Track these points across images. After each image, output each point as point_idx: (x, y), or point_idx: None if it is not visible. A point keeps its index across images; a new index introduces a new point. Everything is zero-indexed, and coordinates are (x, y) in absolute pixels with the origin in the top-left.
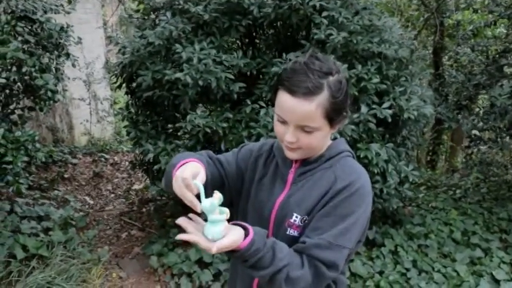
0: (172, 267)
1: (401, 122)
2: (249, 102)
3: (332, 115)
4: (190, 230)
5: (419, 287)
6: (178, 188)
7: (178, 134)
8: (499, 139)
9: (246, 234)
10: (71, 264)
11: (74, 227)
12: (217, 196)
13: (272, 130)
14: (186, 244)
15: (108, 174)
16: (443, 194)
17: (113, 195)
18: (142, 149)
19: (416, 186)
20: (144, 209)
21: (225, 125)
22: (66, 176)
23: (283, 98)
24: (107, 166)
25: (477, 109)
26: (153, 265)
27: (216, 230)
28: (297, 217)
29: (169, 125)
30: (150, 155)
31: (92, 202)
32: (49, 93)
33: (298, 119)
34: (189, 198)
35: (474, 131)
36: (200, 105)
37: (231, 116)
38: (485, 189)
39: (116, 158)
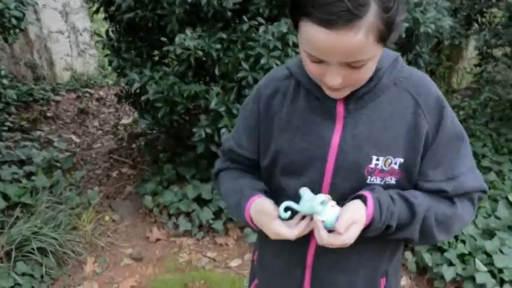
0: (168, 206)
1: (415, 37)
2: (245, 19)
3: (387, 33)
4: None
5: None
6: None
7: (166, 60)
8: None
9: (363, 200)
10: (59, 210)
11: (60, 169)
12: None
13: (274, 49)
14: (182, 181)
15: (94, 110)
16: None
17: (100, 131)
18: (127, 79)
19: None
20: (134, 145)
21: (218, 46)
22: (49, 114)
23: (315, 34)
24: (92, 102)
25: (488, 24)
26: (147, 205)
27: (328, 216)
28: (378, 160)
29: (156, 51)
30: (136, 85)
31: (78, 141)
32: (13, 21)
33: (343, 57)
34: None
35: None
36: (189, 27)
37: (224, 36)
38: (489, 110)
39: (101, 93)
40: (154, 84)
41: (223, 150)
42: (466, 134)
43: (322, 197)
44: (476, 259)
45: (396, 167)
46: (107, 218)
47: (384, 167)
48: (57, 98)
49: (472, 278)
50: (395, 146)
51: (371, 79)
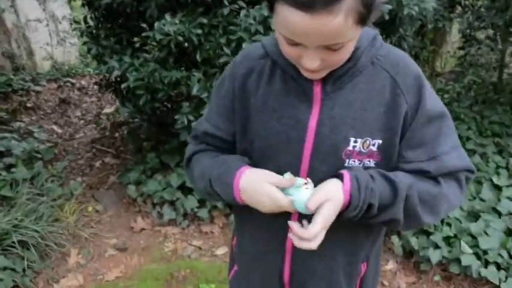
0: (152, 195)
1: (399, 19)
2: (226, 3)
3: (367, 15)
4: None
5: None
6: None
7: (146, 47)
8: (498, 37)
9: (340, 179)
10: (40, 202)
11: (41, 160)
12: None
13: (256, 33)
14: (166, 169)
15: (76, 100)
16: None
17: (82, 121)
18: (107, 67)
19: None
20: (117, 134)
21: (199, 31)
22: (29, 105)
23: (291, 17)
24: (73, 91)
25: (471, 7)
26: (131, 195)
27: (300, 196)
28: (356, 142)
29: (136, 38)
30: (116, 73)
31: (60, 131)
32: None
33: (322, 40)
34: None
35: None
36: (169, 13)
37: (205, 21)
38: (473, 93)
39: (83, 82)
40: (134, 71)
41: (197, 134)
42: (448, 112)
43: (299, 180)
44: (461, 241)
45: (374, 148)
46: (90, 208)
47: (362, 149)
48: (38, 88)
49: (458, 260)
50: (374, 127)
51: (349, 59)
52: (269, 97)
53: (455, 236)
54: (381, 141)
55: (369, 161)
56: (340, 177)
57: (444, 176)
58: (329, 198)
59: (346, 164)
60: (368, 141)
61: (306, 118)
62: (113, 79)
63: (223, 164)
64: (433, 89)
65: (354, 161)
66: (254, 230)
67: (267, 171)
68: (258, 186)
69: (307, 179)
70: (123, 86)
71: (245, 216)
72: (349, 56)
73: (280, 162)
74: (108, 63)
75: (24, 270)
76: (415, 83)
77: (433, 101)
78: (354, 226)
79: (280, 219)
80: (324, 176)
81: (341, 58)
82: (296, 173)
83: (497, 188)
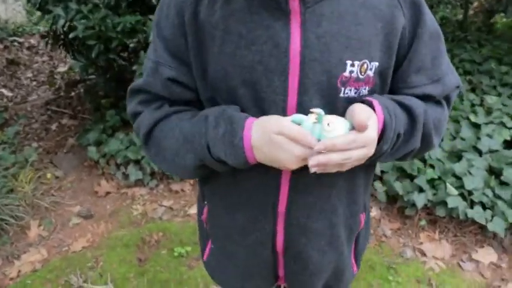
0: (115, 155)
1: None
2: None
3: None
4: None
5: None
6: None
7: None
8: None
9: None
10: None
11: None
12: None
13: None
14: (128, 127)
15: (26, 60)
16: None
17: (34, 82)
18: (52, 16)
19: None
20: (73, 93)
21: None
22: None
23: None
24: (22, 51)
25: None
26: (92, 157)
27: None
28: (353, 65)
29: None
30: (62, 22)
31: (10, 94)
32: None
33: None
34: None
35: None
36: None
37: None
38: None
39: (32, 41)
40: (83, 18)
41: (148, 94)
42: None
43: (313, 116)
44: (447, 183)
45: (371, 73)
46: (48, 175)
47: (360, 75)
48: None
49: (444, 203)
50: (371, 46)
51: None
52: (230, 20)
53: (440, 178)
54: (377, 64)
55: (365, 89)
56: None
57: (444, 97)
58: (370, 115)
59: (341, 94)
60: (366, 65)
61: (285, 40)
62: (61, 31)
63: (221, 118)
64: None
65: (350, 90)
66: (235, 197)
67: (278, 117)
68: (276, 138)
69: (318, 109)
70: (71, 35)
71: (221, 180)
72: None
73: (260, 104)
74: (52, 12)
75: None
76: None
77: (431, 18)
78: (352, 169)
79: (271, 180)
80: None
81: None
82: (283, 113)
83: (475, 126)
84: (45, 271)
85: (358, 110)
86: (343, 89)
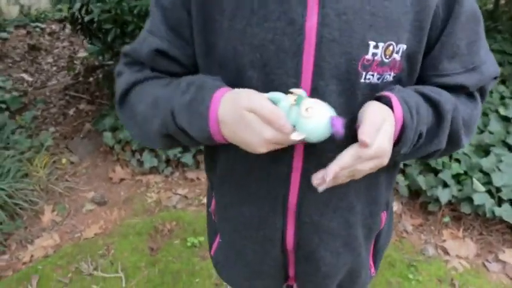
0: (130, 142)
1: None
2: None
3: None
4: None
5: None
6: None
7: None
8: None
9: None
10: (5, 157)
11: (7, 110)
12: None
13: None
14: None
15: (47, 46)
16: None
17: (54, 68)
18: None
19: None
20: (91, 78)
21: None
22: None
23: None
24: (44, 37)
25: None
26: (108, 142)
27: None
28: (377, 47)
29: None
30: (78, 5)
31: (31, 79)
32: None
33: None
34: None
35: None
36: None
37: None
38: None
39: (53, 27)
40: (99, 2)
41: (134, 59)
42: None
43: (292, 97)
44: (473, 179)
45: (398, 57)
46: (64, 160)
47: (384, 58)
48: (4, 35)
49: (469, 199)
50: (399, 26)
51: None
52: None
53: (466, 173)
54: (405, 47)
55: (389, 74)
56: (380, 100)
57: (478, 89)
58: (385, 117)
59: (362, 80)
60: (392, 47)
61: (301, 16)
62: (78, 15)
63: (193, 85)
64: None
65: (373, 75)
66: (242, 186)
67: (252, 92)
68: (246, 116)
69: (299, 90)
70: (86, 19)
71: (229, 167)
72: None
73: (270, 86)
74: None
75: None
76: None
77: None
78: None
79: (281, 170)
80: (331, 99)
81: None
82: None
83: (505, 120)
84: (56, 257)
85: (370, 112)
86: (364, 73)
